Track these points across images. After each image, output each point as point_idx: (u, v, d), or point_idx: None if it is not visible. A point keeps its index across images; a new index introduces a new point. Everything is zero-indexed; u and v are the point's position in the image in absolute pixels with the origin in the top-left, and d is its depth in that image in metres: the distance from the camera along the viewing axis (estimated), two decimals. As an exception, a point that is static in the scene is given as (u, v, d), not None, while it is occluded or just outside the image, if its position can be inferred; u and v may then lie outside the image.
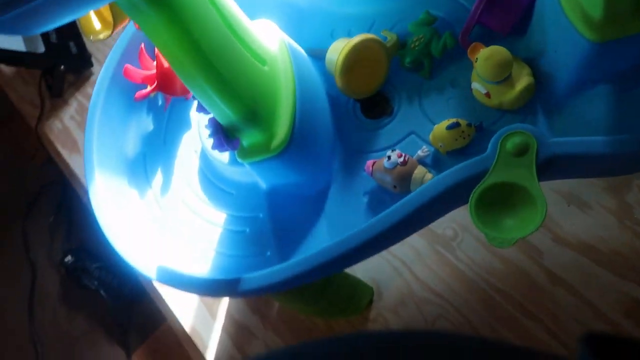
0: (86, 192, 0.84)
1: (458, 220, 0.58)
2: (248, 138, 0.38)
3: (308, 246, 0.42)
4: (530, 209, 0.31)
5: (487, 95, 0.40)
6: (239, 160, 0.40)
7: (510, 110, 0.40)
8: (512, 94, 0.39)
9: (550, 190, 0.55)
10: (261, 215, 0.43)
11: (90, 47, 0.90)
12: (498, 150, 0.32)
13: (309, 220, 0.43)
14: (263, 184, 0.44)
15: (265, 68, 0.38)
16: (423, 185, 0.35)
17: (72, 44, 0.87)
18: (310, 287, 0.48)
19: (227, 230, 0.44)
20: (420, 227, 0.39)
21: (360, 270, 0.59)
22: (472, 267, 0.56)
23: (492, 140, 0.33)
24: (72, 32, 0.88)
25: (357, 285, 0.57)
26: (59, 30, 0.87)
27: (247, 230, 0.43)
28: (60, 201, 0.98)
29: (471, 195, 0.32)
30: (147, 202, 0.48)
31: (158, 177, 0.48)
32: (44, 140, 0.88)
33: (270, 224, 0.43)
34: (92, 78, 0.89)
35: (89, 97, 0.87)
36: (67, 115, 0.87)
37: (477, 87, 0.41)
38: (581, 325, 0.50)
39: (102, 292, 0.82)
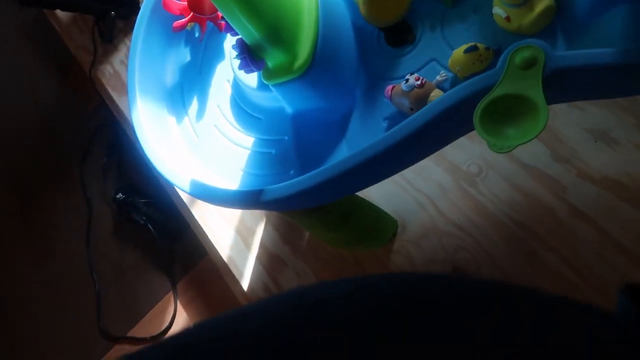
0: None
1: (483, 156, 0.59)
2: (272, 59, 0.41)
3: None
4: (532, 118, 0.32)
5: (507, 19, 0.41)
6: (265, 81, 0.42)
7: (529, 34, 0.41)
8: (531, 16, 0.39)
9: (578, 127, 0.55)
10: (286, 137, 0.46)
11: (139, -5, 0.94)
12: (507, 64, 0.33)
13: (330, 144, 0.46)
14: (288, 109, 0.46)
15: (290, -8, 0.40)
16: (434, 100, 0.36)
17: (122, -9, 0.92)
18: (334, 211, 0.51)
19: (255, 152, 0.47)
20: (435, 147, 0.41)
21: (385, 204, 0.61)
22: (495, 202, 0.57)
23: (502, 55, 0.34)
24: (123, -20, 0.93)
25: (381, 215, 0.59)
26: (109, -21, 0.92)
27: (273, 151, 0.46)
28: (112, 142, 1.04)
29: (478, 105, 0.33)
30: (183, 128, 0.51)
31: (194, 105, 0.52)
32: (97, 85, 0.94)
33: (294, 146, 0.46)
34: (140, 25, 0.93)
35: (137, 44, 0.92)
36: (117, 60, 0.93)
37: (498, 11, 0.41)
38: (600, 259, 0.51)
39: (149, 226, 0.89)
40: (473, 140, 0.60)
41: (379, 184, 0.43)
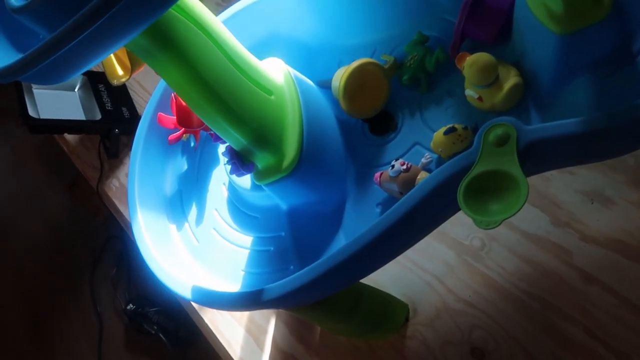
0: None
1: (483, 229, 0.59)
2: (261, 161, 0.43)
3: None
4: (514, 192, 0.32)
5: (480, 99, 0.43)
6: (257, 182, 0.44)
7: (503, 110, 0.42)
8: (501, 94, 0.41)
9: (572, 190, 0.55)
10: (283, 233, 0.47)
11: (140, 110, 1.00)
12: (482, 143, 0.35)
13: (327, 235, 0.46)
14: (283, 205, 0.48)
15: (272, 97, 0.43)
16: (420, 182, 0.38)
17: (124, 109, 0.97)
18: (341, 302, 0.51)
19: (254, 251, 0.48)
20: (429, 227, 0.41)
21: (393, 287, 0.60)
22: (503, 274, 0.57)
23: (477, 135, 0.36)
24: (124, 99, 0.99)
25: (389, 301, 0.58)
26: (112, 98, 0.98)
27: (272, 248, 0.47)
28: (121, 253, 1.06)
29: (460, 185, 0.34)
30: (184, 234, 0.52)
31: (193, 211, 0.53)
32: (104, 198, 0.96)
33: (292, 241, 0.46)
34: (143, 138, 0.98)
35: (140, 156, 0.96)
36: (123, 173, 0.96)
37: (470, 92, 0.43)
38: (618, 322, 0.49)
39: (161, 335, 0.88)
40: (471, 214, 0.60)
41: (383, 267, 0.43)
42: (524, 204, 0.31)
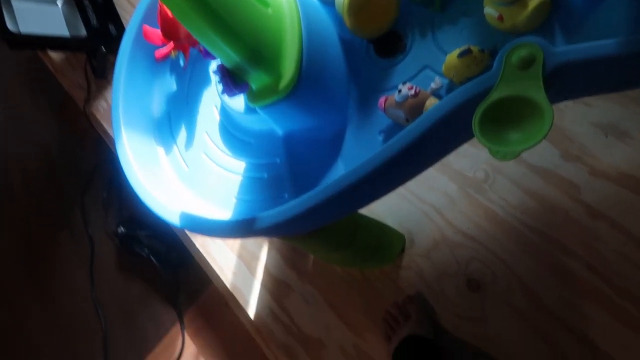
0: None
1: (489, 161, 0.57)
2: (256, 81, 0.39)
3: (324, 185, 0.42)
4: (536, 121, 0.29)
5: (500, 18, 0.38)
6: (250, 104, 0.40)
7: (525, 32, 0.38)
8: (525, 13, 0.37)
9: (586, 122, 0.52)
10: (278, 160, 0.44)
11: (126, 26, 0.93)
12: (503, 65, 0.31)
13: (325, 163, 0.44)
14: (279, 130, 0.44)
15: (269, 10, 0.38)
16: (429, 109, 0.34)
17: (111, 26, 0.91)
18: (338, 231, 0.49)
19: (246, 177, 0.45)
20: (435, 157, 0.39)
21: (390, 219, 0.59)
22: (506, 207, 0.55)
23: (497, 56, 0.32)
24: (111, 15, 0.92)
25: (386, 231, 0.57)
26: (98, 14, 0.91)
27: (265, 175, 0.44)
28: (111, 177, 1.03)
29: (476, 111, 0.31)
30: (173, 158, 0.49)
31: (182, 134, 0.50)
32: (92, 120, 0.92)
33: (287, 168, 0.44)
34: (130, 56, 0.92)
35: (128, 75, 0.91)
36: (111, 94, 0.92)
37: (490, 11, 0.39)
38: (624, 259, 0.48)
39: (152, 258, 0.87)
40: (477, 146, 0.58)
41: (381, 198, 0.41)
42: (547, 134, 0.28)
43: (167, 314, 0.87)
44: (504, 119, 0.31)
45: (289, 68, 0.39)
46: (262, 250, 0.69)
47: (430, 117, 0.34)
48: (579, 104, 0.53)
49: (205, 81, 0.51)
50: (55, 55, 1.03)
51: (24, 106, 1.23)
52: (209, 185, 0.47)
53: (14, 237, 1.15)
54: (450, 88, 0.41)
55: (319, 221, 0.39)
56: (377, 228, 0.55)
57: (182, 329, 0.84)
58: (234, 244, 0.72)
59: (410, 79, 0.43)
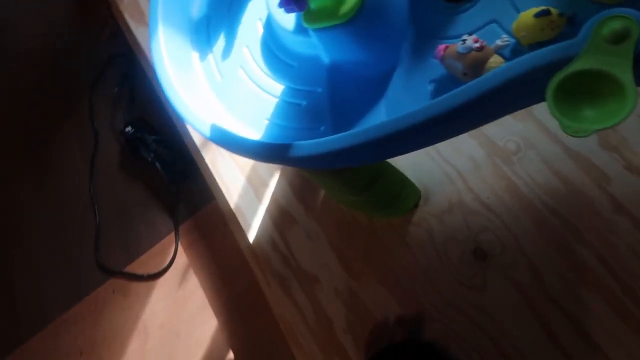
0: (150, 66, 0.84)
1: (524, 134, 0.55)
2: (316, 0, 0.36)
3: (363, 125, 0.41)
4: (615, 102, 0.27)
5: (589, -17, 0.36)
6: (305, 24, 0.38)
7: (614, 3, 0.36)
8: (620, -18, 0.34)
9: (635, 115, 0.50)
10: (320, 90, 0.42)
11: None
12: (592, 35, 0.29)
13: (367, 102, 0.42)
14: (326, 58, 0.42)
15: None
16: (498, 68, 0.32)
17: None
18: (361, 174, 0.48)
19: (283, 102, 0.43)
20: (486, 120, 0.37)
21: (410, 171, 0.57)
22: (530, 184, 0.54)
23: (586, 24, 0.29)
24: None
25: (406, 183, 0.56)
26: None
27: (304, 103, 0.42)
28: (125, 73, 1.00)
29: (552, 78, 0.29)
30: (206, 66, 0.47)
31: (220, 43, 0.47)
32: (114, 10, 0.88)
33: (327, 100, 0.42)
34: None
35: (161, -31, 0.86)
36: (138, -16, 0.87)
37: (579, -27, 0.36)
38: (637, 257, 0.47)
39: (157, 164, 0.86)
40: (515, 116, 0.56)
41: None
42: (626, 118, 0.26)
43: (164, 222, 0.87)
44: (578, 93, 0.29)
45: (354, -8, 0.36)
46: (273, 178, 0.68)
47: (498, 75, 0.31)
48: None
49: (253, -10, 0.48)
50: None
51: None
52: (241, 101, 0.45)
53: (13, 117, 1.12)
54: (516, 49, 0.38)
55: (353, 161, 0.38)
56: (399, 179, 0.53)
57: (177, 239, 0.84)
58: (245, 166, 0.70)
59: (474, 31, 0.40)
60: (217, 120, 0.41)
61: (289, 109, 0.43)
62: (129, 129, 0.91)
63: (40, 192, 1.04)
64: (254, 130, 0.43)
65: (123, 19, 0.87)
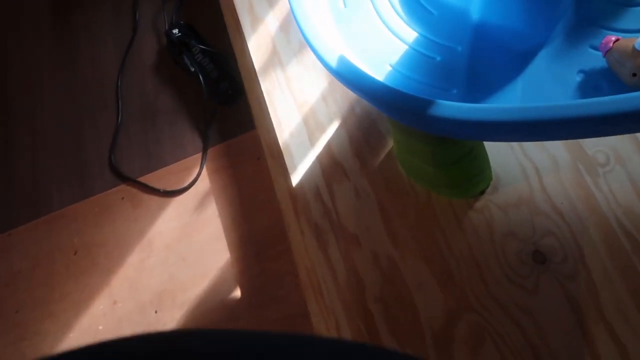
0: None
1: (616, 147, 0.52)
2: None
3: (496, 101, 0.37)
4: None
5: None
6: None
7: None
8: None
9: None
10: (460, 48, 0.38)
11: None
12: None
13: (505, 76, 0.38)
14: (476, 14, 0.38)
15: None
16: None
17: None
18: (458, 146, 0.45)
19: (415, 51, 0.39)
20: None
21: (488, 157, 0.54)
22: (610, 201, 0.52)
23: None
24: None
25: (486, 166, 0.53)
26: None
27: (439, 58, 0.38)
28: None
29: None
30: (331, -12, 0.42)
31: (350, -35, 0.42)
32: None
33: (466, 62, 0.38)
34: None
35: None
36: None
37: None
38: None
39: (200, 76, 0.80)
40: (612, 126, 0.53)
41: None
42: None
43: (192, 140, 0.81)
44: None
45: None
46: (332, 125, 0.64)
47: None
48: None
49: None
50: None
51: None
52: (364, 38, 0.40)
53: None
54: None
55: (487, 136, 0.35)
56: (484, 160, 0.50)
57: (203, 160, 0.79)
58: (303, 105, 0.66)
59: (647, 30, 0.37)
60: (340, 53, 0.37)
61: (420, 60, 0.39)
62: (175, 31, 0.84)
63: (63, 72, 0.96)
64: (374, 72, 0.39)
65: None
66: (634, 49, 0.34)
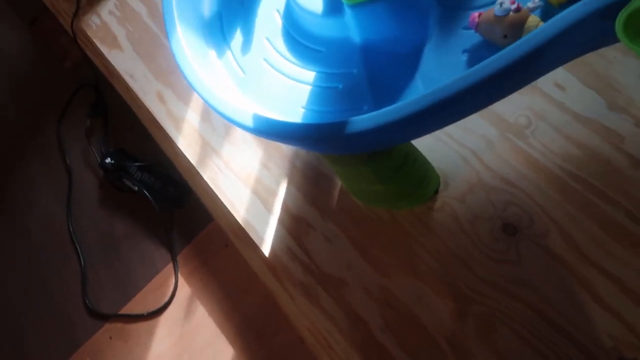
0: (129, 90, 0.81)
1: (532, 107, 0.56)
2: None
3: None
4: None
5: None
6: (347, 1, 0.37)
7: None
8: None
9: (635, 75, 0.53)
10: (355, 71, 0.41)
11: None
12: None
13: (403, 78, 0.41)
14: (357, 38, 0.41)
15: None
16: (548, 22, 0.33)
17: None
18: (393, 156, 0.47)
19: (317, 87, 0.42)
20: (532, 78, 0.37)
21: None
22: (547, 154, 0.55)
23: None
24: None
25: (428, 166, 0.55)
26: None
27: (340, 86, 0.41)
28: (96, 103, 0.95)
29: (620, 13, 0.29)
30: (226, 62, 0.45)
31: (237, 38, 0.46)
32: (80, 37, 0.84)
33: (365, 80, 0.41)
34: (132, -29, 0.84)
35: (128, -8, 0.84)
36: (106, 10, 0.84)
37: None
38: (664, 208, 0.49)
39: (145, 192, 0.81)
40: (520, 91, 0.57)
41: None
42: None
43: (159, 254, 0.81)
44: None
45: (393, -37, 0.36)
46: (280, 187, 0.66)
47: (550, 28, 0.32)
48: (628, 56, 0.54)
49: (264, -16, 0.47)
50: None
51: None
52: (270, 93, 0.43)
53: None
54: (547, 10, 0.40)
55: (411, 132, 0.37)
56: (423, 162, 0.53)
57: (176, 269, 0.79)
58: (248, 178, 0.68)
59: (500, -1, 0.41)
60: (251, 112, 0.40)
61: (325, 93, 0.42)
62: (108, 159, 0.86)
63: (11, 240, 0.95)
64: (291, 119, 0.42)
65: (92, 45, 0.83)
66: (495, 16, 0.38)
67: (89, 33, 0.83)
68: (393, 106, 0.34)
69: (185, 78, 0.41)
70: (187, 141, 0.74)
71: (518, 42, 0.32)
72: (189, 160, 0.72)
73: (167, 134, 0.76)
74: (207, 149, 0.73)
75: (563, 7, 0.39)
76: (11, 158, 1.00)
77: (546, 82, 0.58)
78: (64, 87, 0.97)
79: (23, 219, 0.95)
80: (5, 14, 1.08)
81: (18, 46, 1.07)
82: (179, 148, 0.74)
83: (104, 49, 0.81)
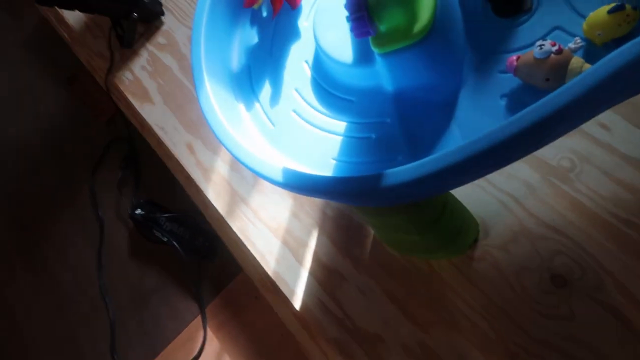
0: (159, 141, 0.81)
1: (575, 149, 0.54)
2: (389, 21, 0.35)
3: (440, 151, 0.38)
4: None
5: (654, -25, 0.35)
6: (375, 49, 0.36)
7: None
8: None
9: (687, 113, 0.50)
10: (389, 120, 0.40)
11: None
12: None
13: (439, 126, 0.39)
14: (389, 86, 0.40)
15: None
16: (600, 61, 0.31)
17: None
18: (430, 207, 0.45)
19: (348, 138, 0.40)
20: (583, 120, 0.35)
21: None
22: (595, 198, 0.51)
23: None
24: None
25: (466, 214, 0.53)
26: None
27: (373, 136, 0.40)
28: (128, 156, 0.96)
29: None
30: (255, 115, 0.45)
31: (266, 90, 0.45)
32: (113, 93, 0.86)
33: (399, 129, 0.39)
34: (163, 27, 0.87)
35: (160, 47, 0.86)
36: (138, 65, 0.86)
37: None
38: None
39: (175, 243, 0.80)
40: (561, 133, 0.55)
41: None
42: None
43: (187, 306, 0.80)
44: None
45: (425, 10, 0.35)
46: (311, 237, 0.64)
47: (603, 68, 0.30)
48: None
49: (293, 34, 0.47)
50: (73, 22, 0.96)
51: (27, 76, 1.14)
52: (300, 145, 0.42)
53: (7, 218, 1.05)
54: (589, 50, 0.38)
55: (453, 182, 0.35)
56: (462, 211, 0.50)
57: (204, 323, 0.77)
58: (278, 229, 0.66)
59: (539, 40, 0.40)
60: (282, 165, 0.38)
61: (357, 144, 0.40)
62: (138, 211, 0.86)
63: (42, 291, 0.95)
64: (324, 172, 0.40)
65: (125, 99, 0.84)
66: (535, 59, 0.36)
67: (122, 88, 0.85)
68: (433, 156, 0.32)
69: (214, 132, 0.40)
70: (216, 191, 0.73)
71: (569, 84, 0.30)
72: (217, 210, 0.71)
73: (196, 184, 0.76)
74: (236, 198, 0.72)
75: (606, 46, 0.37)
76: (46, 210, 1.02)
77: (588, 122, 0.55)
78: (98, 141, 1.00)
79: (54, 270, 0.95)
80: (46, 72, 1.13)
81: (57, 103, 1.10)
82: (207, 198, 0.73)
83: (135, 103, 0.83)
